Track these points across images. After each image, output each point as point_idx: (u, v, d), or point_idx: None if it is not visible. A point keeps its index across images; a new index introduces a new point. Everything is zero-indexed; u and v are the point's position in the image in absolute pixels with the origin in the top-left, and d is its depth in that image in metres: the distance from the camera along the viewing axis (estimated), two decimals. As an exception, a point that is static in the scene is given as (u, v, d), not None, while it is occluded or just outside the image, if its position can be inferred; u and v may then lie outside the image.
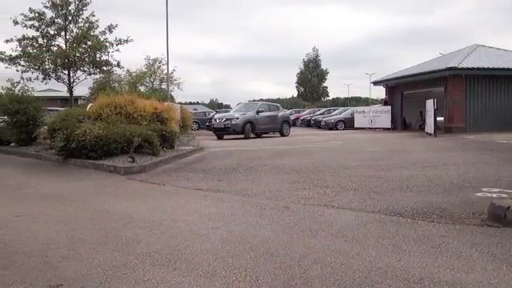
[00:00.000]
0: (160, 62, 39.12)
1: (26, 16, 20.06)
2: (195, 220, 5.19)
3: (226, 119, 21.89)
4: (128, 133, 10.78)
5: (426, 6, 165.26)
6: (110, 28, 21.08)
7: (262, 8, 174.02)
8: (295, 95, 73.80)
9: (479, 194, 6.19)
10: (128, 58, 41.58)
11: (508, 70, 23.04)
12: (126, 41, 21.39)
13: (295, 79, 69.20)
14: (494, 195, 6.01)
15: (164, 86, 38.40)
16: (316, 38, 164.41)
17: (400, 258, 3.72)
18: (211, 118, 30.20)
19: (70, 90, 21.68)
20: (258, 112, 22.63)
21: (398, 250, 3.92)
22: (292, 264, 3.61)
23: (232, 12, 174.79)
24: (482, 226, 4.65)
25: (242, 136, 21.50)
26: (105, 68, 22.24)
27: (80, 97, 35.45)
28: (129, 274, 3.47)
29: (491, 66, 23.12)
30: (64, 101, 32.23)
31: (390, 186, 7.10)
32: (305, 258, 3.76)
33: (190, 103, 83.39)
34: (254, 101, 25.26)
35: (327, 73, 68.84)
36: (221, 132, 22.07)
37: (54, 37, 20.88)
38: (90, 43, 20.71)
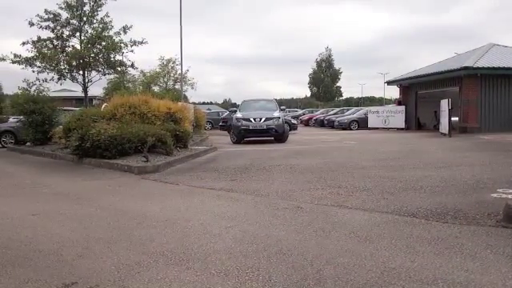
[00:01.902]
0: (174, 62, 39.43)
1: (41, 17, 20.31)
2: (208, 219, 5.21)
3: (267, 119, 17.51)
4: (142, 132, 10.87)
5: (441, 5, 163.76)
6: (125, 29, 21.23)
7: (277, 8, 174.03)
8: (309, 95, 73.58)
9: (494, 195, 6.12)
10: (142, 59, 42.17)
11: (524, 69, 22.71)
12: (141, 42, 21.54)
13: (308, 79, 69.12)
14: (510, 196, 5.94)
15: (178, 86, 38.61)
16: (330, 38, 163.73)
17: (413, 258, 3.70)
18: (225, 118, 30.30)
19: (85, 90, 21.88)
20: (280, 110, 19.31)
21: (412, 251, 3.89)
22: (305, 264, 3.61)
23: (246, 12, 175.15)
24: (497, 227, 4.60)
25: (264, 139, 17.99)
26: (119, 68, 22.42)
27: (95, 97, 35.75)
28: (142, 273, 3.50)
29: (506, 66, 22.83)
30: (79, 101, 32.54)
31: (403, 186, 7.05)
32: (318, 258, 3.76)
33: (204, 103, 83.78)
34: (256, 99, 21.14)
35: (340, 72, 68.74)
36: (260, 134, 17.66)
37: (69, 37, 21.10)
38: (104, 44, 20.89)
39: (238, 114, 18.02)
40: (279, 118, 17.76)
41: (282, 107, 20.99)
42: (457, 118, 23.13)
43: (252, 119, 17.56)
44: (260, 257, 3.81)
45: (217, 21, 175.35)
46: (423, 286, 3.13)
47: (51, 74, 20.99)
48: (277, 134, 17.58)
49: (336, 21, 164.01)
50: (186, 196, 6.77)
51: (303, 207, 5.72)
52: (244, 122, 17.53)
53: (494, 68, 22.58)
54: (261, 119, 17.48)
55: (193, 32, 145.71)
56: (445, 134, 20.42)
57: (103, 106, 15.96)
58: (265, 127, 17.44)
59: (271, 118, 17.61)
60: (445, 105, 20.86)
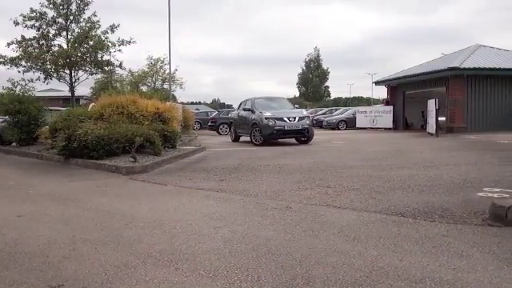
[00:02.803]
0: (162, 61, 39.22)
1: (25, 16, 20.08)
2: (197, 220, 5.19)
3: (300, 118, 16.29)
4: (130, 133, 10.80)
5: (429, 6, 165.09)
6: (112, 28, 21.10)
7: (267, 8, 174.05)
8: (297, 95, 73.79)
9: (480, 194, 6.18)
10: (130, 58, 42.03)
11: (509, 70, 23.02)
12: (129, 42, 21.42)
13: (297, 79, 69.25)
14: (496, 195, 6.01)
15: (166, 85, 38.44)
16: (320, 38, 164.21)
17: (401, 257, 3.72)
18: (214, 118, 30.21)
19: (72, 89, 21.72)
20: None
21: (400, 250, 3.91)
22: (294, 264, 3.61)
23: (236, 12, 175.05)
24: (484, 226, 4.65)
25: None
26: (106, 68, 22.28)
27: (82, 97, 35.49)
28: (130, 274, 3.47)
29: (492, 67, 23.10)
30: (66, 101, 32.27)
31: (391, 185, 7.10)
32: (306, 257, 3.76)
33: (192, 103, 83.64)
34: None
35: (328, 73, 68.87)
36: (294, 135, 16.56)
37: (55, 36, 20.92)
38: (91, 43, 20.74)
39: (267, 113, 16.21)
40: (309, 117, 17.04)
41: (296, 106, 19.76)
42: (444, 118, 23.34)
43: (286, 119, 16.04)
44: (249, 257, 3.80)
45: (207, 20, 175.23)
46: (411, 285, 3.15)
47: (37, 74, 20.82)
48: (308, 135, 16.55)
49: (326, 21, 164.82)
50: (174, 196, 6.74)
51: (292, 207, 5.73)
52: (278, 122, 15.90)
53: (480, 68, 22.83)
54: (295, 119, 16.13)
55: (182, 31, 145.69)
56: (432, 134, 20.59)
57: (90, 106, 15.83)
58: (300, 127, 16.19)
59: (303, 118, 16.57)
60: (432, 105, 21.04)
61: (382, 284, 3.17)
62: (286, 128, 15.98)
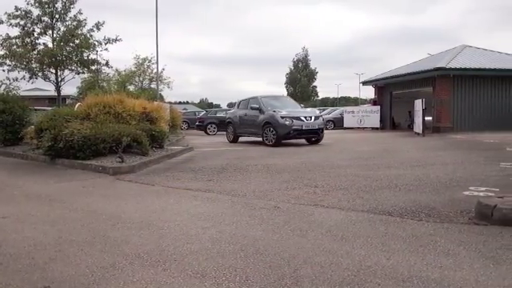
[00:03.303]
0: (149, 61, 39.05)
1: (10, 15, 19.84)
2: (185, 220, 5.17)
3: (315, 118, 15.92)
4: (117, 132, 10.71)
5: (418, 6, 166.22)
6: (98, 25, 20.94)
7: (256, 8, 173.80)
8: (285, 95, 73.85)
9: (466, 193, 6.24)
10: (118, 57, 41.70)
11: (494, 70, 23.32)
12: (115, 40, 21.27)
13: (285, 79, 69.38)
14: (481, 194, 6.07)
15: (153, 85, 38.27)
16: (308, 38, 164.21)
17: (389, 256, 3.74)
18: (202, 118, 30.11)
19: (58, 89, 21.52)
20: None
21: (387, 249, 3.93)
22: (282, 263, 3.61)
23: (225, 12, 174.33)
24: (470, 225, 4.69)
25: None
26: (93, 67, 22.11)
27: (68, 96, 35.22)
28: (117, 275, 3.44)
29: (478, 67, 23.37)
30: (52, 100, 32.00)
31: (378, 185, 7.14)
32: (295, 257, 3.76)
33: (180, 103, 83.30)
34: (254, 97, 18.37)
35: (316, 73, 69.12)
36: (310, 135, 15.94)
37: (40, 35, 20.70)
38: (77, 42, 20.56)
39: (283, 112, 15.50)
40: (322, 116, 16.40)
41: (301, 105, 19.12)
42: (430, 118, 23.55)
43: (303, 118, 15.42)
44: (237, 257, 3.80)
45: (196, 20, 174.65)
46: (398, 284, 3.17)
47: (22, 73, 20.59)
48: (321, 135, 16.13)
49: (315, 21, 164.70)
50: (162, 197, 6.70)
51: (280, 207, 5.73)
52: (296, 122, 15.20)
53: (466, 69, 23.08)
54: (311, 118, 15.60)
55: (170, 31, 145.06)
56: (419, 134, 20.77)
57: (77, 106, 15.67)
58: (316, 127, 15.69)
59: (318, 117, 16.13)
60: (419, 105, 21.22)
61: (370, 283, 3.18)
62: (303, 128, 15.35)
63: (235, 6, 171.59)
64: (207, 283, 3.25)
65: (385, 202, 5.79)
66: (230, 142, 18.01)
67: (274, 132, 15.40)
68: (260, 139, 16.16)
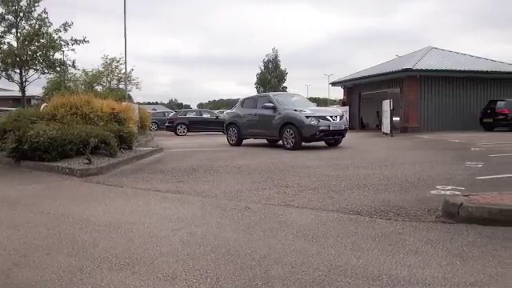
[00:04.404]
0: (118, 61, 38.50)
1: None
2: (154, 222, 5.10)
3: (340, 117, 14.84)
4: (84, 134, 10.51)
5: (385, 8, 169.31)
6: (65, 26, 20.52)
7: (225, 7, 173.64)
8: (255, 96, 74.03)
9: (434, 192, 6.37)
10: (85, 57, 40.94)
11: (459, 71, 23.97)
12: (82, 41, 20.88)
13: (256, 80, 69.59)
14: (448, 192, 6.21)
15: (122, 85, 37.74)
16: (279, 38, 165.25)
17: (359, 255, 3.78)
18: (171, 119, 29.83)
19: (22, 89, 20.99)
20: None
21: (357, 248, 3.97)
22: (253, 264, 3.60)
23: (194, 11, 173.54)
24: (437, 223, 4.79)
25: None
26: (59, 68, 21.63)
27: (33, 97, 34.35)
28: (85, 280, 3.36)
29: (444, 68, 23.97)
30: (16, 101, 31.12)
31: (348, 184, 7.21)
32: (266, 258, 3.76)
33: (149, 103, 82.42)
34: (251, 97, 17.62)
35: (286, 73, 69.60)
36: (335, 137, 14.80)
37: (4, 34, 20.13)
38: (42, 41, 20.08)
39: (307, 111, 14.28)
40: (344, 115, 15.19)
41: (314, 103, 17.87)
42: (398, 118, 24.02)
43: (329, 117, 14.19)
44: (208, 259, 3.76)
45: (164, 19, 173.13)
46: (368, 282, 3.20)
47: (-16, 73, 19.98)
48: (343, 136, 15.03)
49: (285, 21, 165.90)
50: (130, 198, 6.59)
51: (251, 207, 5.72)
52: (323, 122, 13.93)
53: (432, 70, 23.65)
54: (337, 117, 14.48)
55: (139, 30, 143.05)
56: (387, 134, 21.13)
57: (42, 106, 15.31)
58: (342, 127, 14.60)
59: (342, 116, 15.00)
60: (386, 105, 21.60)
61: (340, 282, 3.21)
62: (331, 128, 14.10)
63: (204, 5, 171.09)
64: (177, 286, 3.21)
65: (354, 202, 5.85)
66: (232, 144, 16.62)
67: (292, 133, 14.00)
68: (264, 141, 15.48)
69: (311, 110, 14.71)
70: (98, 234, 4.61)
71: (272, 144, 15.59)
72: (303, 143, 14.17)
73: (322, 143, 14.92)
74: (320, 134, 13.98)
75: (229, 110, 19.17)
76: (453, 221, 4.76)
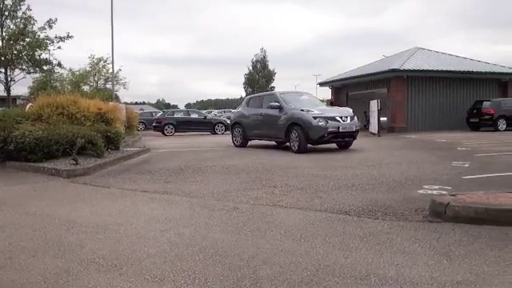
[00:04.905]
0: (105, 60, 38.23)
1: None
2: (142, 223, 5.06)
3: (351, 118, 13.43)
4: (70, 134, 10.41)
5: (373, 9, 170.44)
6: (50, 23, 20.30)
7: (214, 6, 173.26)
8: (244, 96, 74.13)
9: (421, 191, 6.42)
10: (72, 57, 40.59)
11: (446, 72, 24.20)
12: (68, 37, 20.68)
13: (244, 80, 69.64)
14: (435, 192, 6.26)
15: (109, 85, 37.50)
16: (267, 38, 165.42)
17: (347, 255, 3.79)
18: (159, 119, 29.67)
19: (8, 89, 20.72)
20: None
21: (345, 248, 3.98)
22: (241, 265, 3.59)
23: (183, 11, 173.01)
24: (424, 222, 4.82)
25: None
26: (45, 67, 21.42)
27: (18, 96, 33.97)
28: (72, 282, 3.32)
29: (430, 69, 24.18)
30: (1, 101, 30.74)
31: (336, 184, 7.24)
32: (254, 258, 3.75)
33: (137, 103, 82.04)
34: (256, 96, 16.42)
35: (274, 73, 69.75)
36: (345, 139, 13.41)
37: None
38: (28, 40, 19.86)
39: (314, 111, 13.06)
40: (355, 116, 13.92)
41: (324, 102, 16.09)
42: (385, 118, 24.16)
43: (339, 118, 12.95)
44: (196, 259, 3.75)
45: (153, 19, 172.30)
46: (356, 282, 3.21)
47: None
48: (355, 139, 13.76)
49: (274, 21, 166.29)
50: (118, 199, 6.54)
51: (239, 208, 5.71)
52: (331, 123, 12.72)
53: (419, 70, 23.84)
54: (347, 118, 13.14)
55: (127, 30, 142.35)
56: (374, 134, 21.25)
57: (28, 106, 15.16)
58: (354, 129, 13.21)
59: (353, 117, 13.57)
60: (374, 105, 21.72)
61: (329, 282, 3.21)
62: (340, 130, 12.81)
63: (193, 4, 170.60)
64: (165, 287, 3.19)
65: (342, 202, 5.87)
66: (237, 145, 15.75)
67: (297, 135, 12.84)
68: (273, 143, 14.62)
69: (320, 109, 13.50)
70: (85, 236, 4.56)
71: (280, 146, 14.49)
72: (311, 146, 13.12)
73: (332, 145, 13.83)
74: (329, 136, 12.77)
75: (236, 110, 17.88)
76: (440, 220, 4.80)
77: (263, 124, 14.61)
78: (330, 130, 12.65)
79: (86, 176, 8.74)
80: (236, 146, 15.73)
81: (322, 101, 14.92)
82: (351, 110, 13.76)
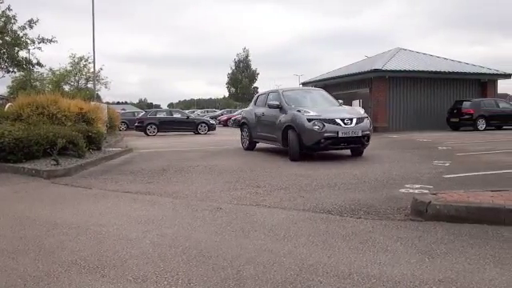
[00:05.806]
0: (86, 60, 37.81)
1: None
2: (124, 224, 5.01)
3: (358, 120, 10.95)
4: (51, 134, 10.27)
5: (354, 9, 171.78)
6: (31, 23, 19.97)
7: (194, 6, 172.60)
8: (227, 95, 74.06)
9: (403, 190, 6.48)
10: (52, 56, 40.05)
11: (427, 72, 24.51)
12: (50, 40, 20.39)
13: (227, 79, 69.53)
14: (416, 191, 6.32)
15: (90, 85, 37.10)
16: (249, 39, 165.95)
17: (330, 254, 3.80)
18: (141, 119, 29.43)
19: (-14, 88, 20.33)
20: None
21: (328, 247, 4.00)
22: (225, 265, 3.58)
23: (164, 10, 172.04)
24: (406, 221, 4.87)
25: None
26: (25, 66, 21.09)
27: (-3, 96, 33.35)
28: (52, 284, 3.27)
29: (411, 69, 24.46)
30: (-21, 100, 30.17)
31: (318, 184, 7.26)
32: (237, 258, 3.74)
33: (118, 103, 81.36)
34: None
35: (257, 73, 69.75)
36: (348, 145, 11.07)
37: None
38: (7, 39, 19.53)
39: (310, 112, 10.95)
40: (368, 118, 11.66)
41: (340, 101, 13.16)
42: (367, 118, 24.32)
43: (339, 121, 10.72)
44: (179, 260, 3.72)
45: (134, 18, 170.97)
46: (340, 281, 3.22)
47: None
48: (367, 144, 11.32)
49: (255, 21, 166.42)
50: (99, 200, 6.47)
51: (223, 208, 5.69)
52: (328, 126, 10.56)
53: (400, 71, 24.09)
54: (351, 121, 10.83)
55: (108, 29, 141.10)
56: (356, 133, 21.36)
57: (7, 106, 14.91)
58: (360, 134, 10.77)
59: (362, 119, 11.15)
60: (356, 105, 21.88)
61: (312, 281, 3.22)
62: (339, 135, 10.58)
63: (174, 4, 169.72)
64: (148, 288, 3.17)
65: (325, 201, 5.90)
66: (245, 149, 14.09)
67: (298, 140, 10.84)
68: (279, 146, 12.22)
69: (319, 110, 11.27)
70: (66, 237, 4.50)
71: (286, 150, 11.52)
72: (308, 153, 11.25)
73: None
74: (326, 142, 10.61)
75: (247, 108, 16.03)
76: (421, 219, 4.85)
77: (265, 125, 12.89)
78: (326, 134, 10.54)
79: (67, 177, 8.63)
80: (245, 148, 14.11)
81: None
82: (362, 111, 11.95)
